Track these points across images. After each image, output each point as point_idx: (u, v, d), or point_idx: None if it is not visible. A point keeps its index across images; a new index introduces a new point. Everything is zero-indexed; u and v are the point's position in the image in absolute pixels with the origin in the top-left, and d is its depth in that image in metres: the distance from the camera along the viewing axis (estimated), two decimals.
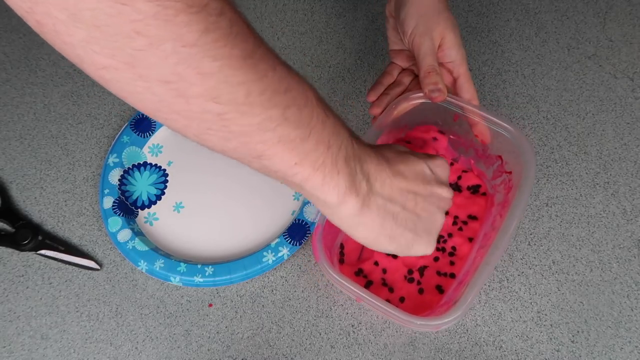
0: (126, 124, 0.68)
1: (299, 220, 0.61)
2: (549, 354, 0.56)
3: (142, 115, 0.68)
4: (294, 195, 0.64)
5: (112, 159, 0.66)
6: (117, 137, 0.67)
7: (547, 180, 0.64)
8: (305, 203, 0.62)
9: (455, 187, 0.62)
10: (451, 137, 0.62)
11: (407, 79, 0.61)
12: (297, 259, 0.61)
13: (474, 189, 0.62)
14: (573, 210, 0.62)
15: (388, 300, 0.55)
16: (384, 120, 0.57)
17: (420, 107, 0.59)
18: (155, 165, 0.67)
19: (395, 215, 0.44)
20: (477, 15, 0.75)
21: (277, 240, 0.60)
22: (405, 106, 0.58)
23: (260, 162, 0.37)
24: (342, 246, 0.60)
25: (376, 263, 0.59)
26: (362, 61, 0.72)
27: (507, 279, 0.59)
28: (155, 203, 0.65)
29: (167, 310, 0.60)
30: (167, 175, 0.67)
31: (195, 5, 0.28)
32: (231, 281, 0.59)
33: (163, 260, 0.60)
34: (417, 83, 0.59)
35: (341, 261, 0.60)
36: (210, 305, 0.60)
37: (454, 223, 0.61)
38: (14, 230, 0.63)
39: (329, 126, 0.39)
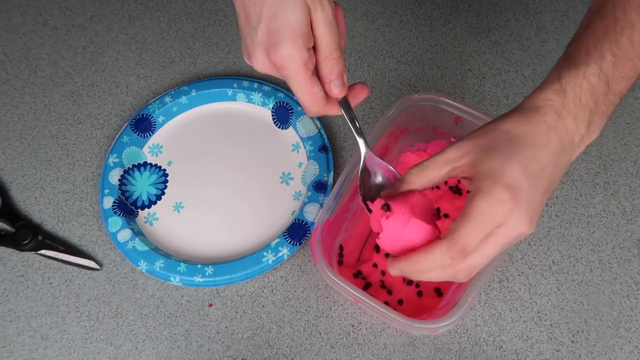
0: (126, 124, 0.68)
1: (299, 220, 0.61)
2: (549, 354, 0.56)
3: (142, 115, 0.68)
4: (294, 195, 0.64)
5: (112, 159, 0.66)
6: (117, 137, 0.67)
7: None
8: (305, 203, 0.62)
9: (456, 190, 0.62)
10: (452, 139, 0.62)
11: None
12: (297, 259, 0.62)
13: None
14: (573, 210, 0.62)
15: (386, 303, 0.55)
16: (384, 122, 0.57)
17: (421, 109, 0.59)
18: (155, 165, 0.67)
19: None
20: (477, 15, 0.75)
21: (277, 240, 0.60)
22: (405, 107, 0.58)
23: None
24: (341, 247, 0.60)
25: (375, 265, 0.59)
26: (362, 61, 0.72)
27: (507, 279, 0.59)
28: (155, 203, 0.65)
29: (167, 310, 0.60)
30: (167, 175, 0.67)
31: None
32: (231, 281, 0.59)
33: (163, 260, 0.60)
34: None
35: (340, 262, 0.60)
36: (210, 305, 0.60)
37: None
38: (14, 230, 0.63)
39: None
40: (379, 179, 0.51)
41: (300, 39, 0.41)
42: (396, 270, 0.44)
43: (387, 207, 0.45)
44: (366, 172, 0.50)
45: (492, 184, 0.40)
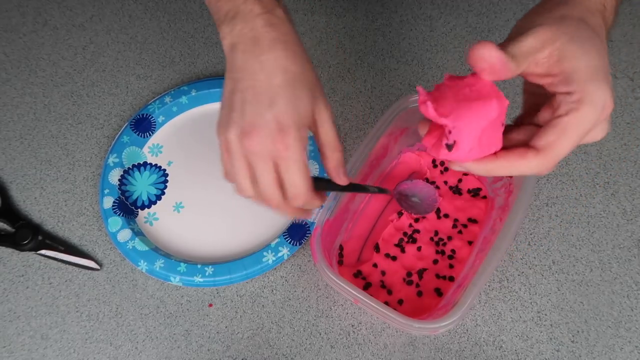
0: (126, 124, 0.68)
1: (299, 220, 0.61)
2: (549, 354, 0.56)
3: (142, 115, 0.68)
4: None
5: (112, 159, 0.66)
6: (117, 137, 0.67)
7: (547, 180, 0.64)
8: None
9: (456, 190, 0.62)
10: None
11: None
12: (297, 259, 0.62)
13: (475, 192, 0.62)
14: (573, 210, 0.62)
15: (386, 303, 0.55)
16: (384, 122, 0.57)
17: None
18: (155, 165, 0.67)
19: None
20: (477, 15, 0.75)
21: (277, 240, 0.60)
22: (405, 107, 0.58)
23: None
24: (341, 247, 0.60)
25: (375, 265, 0.59)
26: (362, 61, 0.72)
27: (507, 279, 0.59)
28: (155, 203, 0.65)
29: (167, 310, 0.60)
30: (167, 175, 0.67)
31: None
32: (231, 281, 0.59)
33: (163, 260, 0.60)
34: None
35: (340, 262, 0.60)
36: (210, 305, 0.60)
37: (454, 226, 0.61)
38: (14, 230, 0.63)
39: None
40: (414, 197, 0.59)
41: (305, 130, 0.44)
42: (466, 169, 0.41)
43: (450, 147, 0.39)
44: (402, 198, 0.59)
45: (597, 87, 0.36)
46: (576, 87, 0.36)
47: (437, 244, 0.60)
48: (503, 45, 0.37)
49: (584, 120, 0.36)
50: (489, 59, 0.36)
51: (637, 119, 0.67)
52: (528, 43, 0.37)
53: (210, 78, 0.71)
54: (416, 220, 0.61)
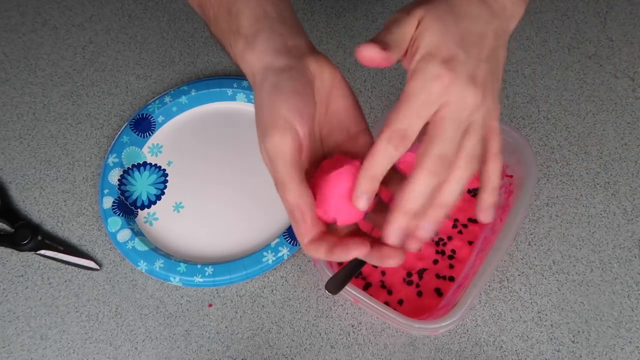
0: (126, 124, 0.68)
1: None
2: (550, 354, 0.56)
3: (142, 115, 0.68)
4: None
5: (111, 159, 0.66)
6: (116, 137, 0.67)
7: (548, 180, 0.64)
8: None
9: None
10: None
11: None
12: (297, 259, 0.61)
13: (475, 192, 0.62)
14: (573, 210, 0.62)
15: (386, 303, 0.55)
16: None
17: None
18: (155, 165, 0.67)
19: None
20: None
21: (277, 240, 0.60)
22: None
23: None
24: None
25: (375, 265, 0.59)
26: None
27: (508, 279, 0.59)
28: (155, 203, 0.65)
29: (167, 311, 0.60)
30: (166, 175, 0.66)
31: None
32: (231, 281, 0.59)
33: (163, 260, 0.60)
34: None
35: (340, 263, 0.59)
36: (210, 305, 0.60)
37: (454, 226, 0.60)
38: (13, 230, 0.63)
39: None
40: None
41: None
42: (364, 200, 0.40)
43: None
44: None
45: (427, 61, 0.37)
46: (412, 63, 0.38)
47: (437, 244, 0.60)
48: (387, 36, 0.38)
49: (411, 88, 0.37)
50: (374, 59, 0.38)
51: (637, 119, 0.67)
52: (404, 30, 0.38)
53: (210, 78, 0.71)
54: None
